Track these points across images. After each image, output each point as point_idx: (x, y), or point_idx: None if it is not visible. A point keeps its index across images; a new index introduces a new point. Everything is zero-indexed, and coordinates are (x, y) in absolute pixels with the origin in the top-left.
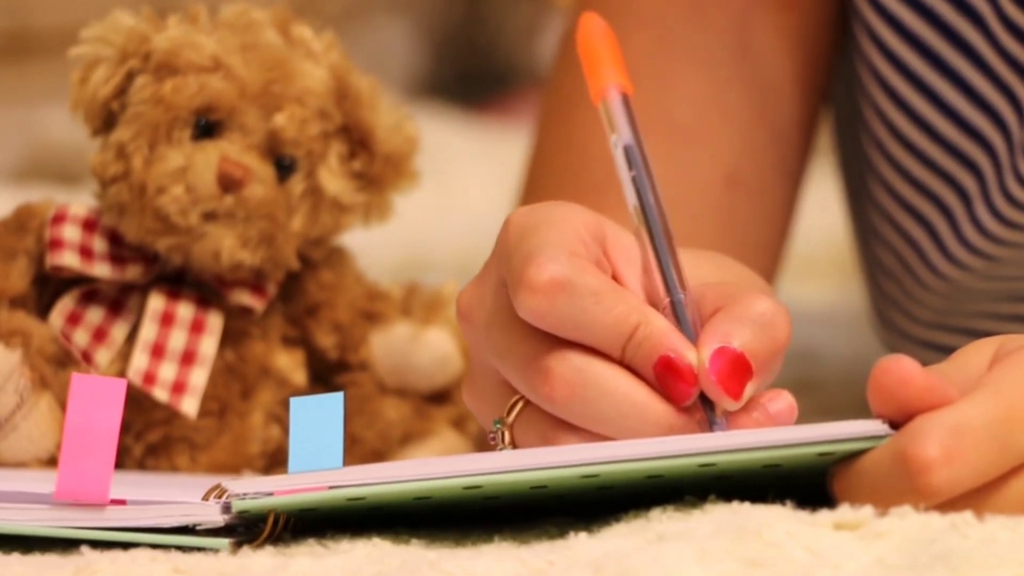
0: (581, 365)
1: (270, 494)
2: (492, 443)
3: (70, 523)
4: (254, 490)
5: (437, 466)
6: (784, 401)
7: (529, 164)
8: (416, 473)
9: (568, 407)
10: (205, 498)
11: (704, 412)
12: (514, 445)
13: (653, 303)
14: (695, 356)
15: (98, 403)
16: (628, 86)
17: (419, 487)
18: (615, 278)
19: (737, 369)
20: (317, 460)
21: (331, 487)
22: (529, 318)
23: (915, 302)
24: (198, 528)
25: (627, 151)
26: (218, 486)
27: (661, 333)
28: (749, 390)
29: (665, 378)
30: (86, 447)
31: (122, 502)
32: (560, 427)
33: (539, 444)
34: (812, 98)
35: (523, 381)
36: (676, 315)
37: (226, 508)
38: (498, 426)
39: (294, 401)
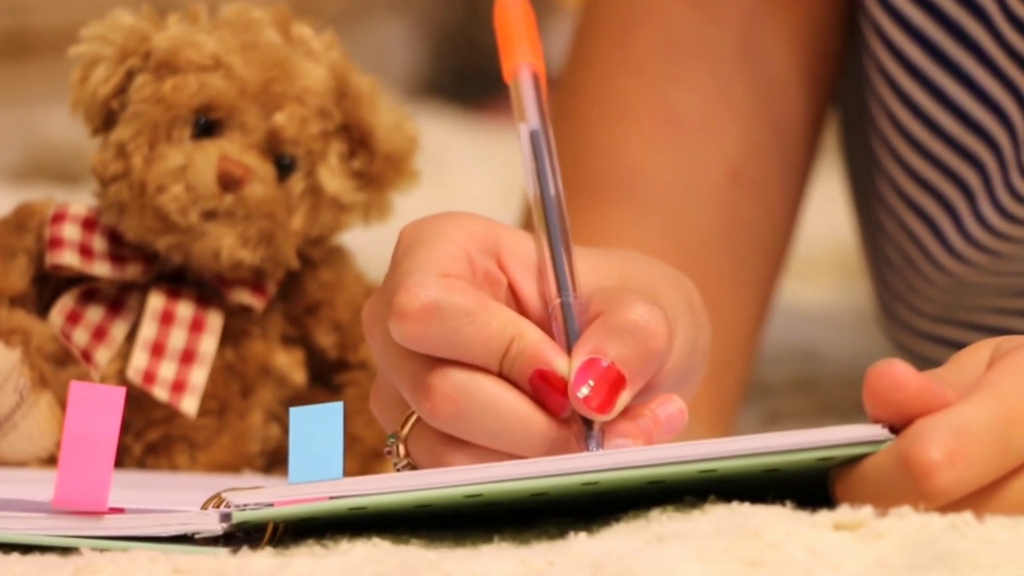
0: (462, 381)
1: (270, 505)
2: (388, 456)
3: (68, 531)
4: (254, 501)
5: (437, 476)
6: (675, 405)
7: None
8: (416, 483)
9: (452, 423)
10: (204, 507)
11: (579, 423)
12: (409, 459)
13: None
14: (567, 367)
15: (97, 411)
16: (541, 67)
17: (420, 496)
18: (511, 287)
19: (606, 381)
20: (317, 470)
21: (331, 497)
22: (404, 344)
23: (920, 296)
24: (196, 536)
25: (532, 137)
26: (217, 495)
27: (535, 346)
28: (623, 400)
29: (540, 391)
30: (85, 455)
31: (120, 510)
32: (448, 442)
33: (429, 459)
34: (818, 95)
35: (410, 398)
36: (565, 318)
37: (224, 517)
38: (392, 440)
39: (294, 411)
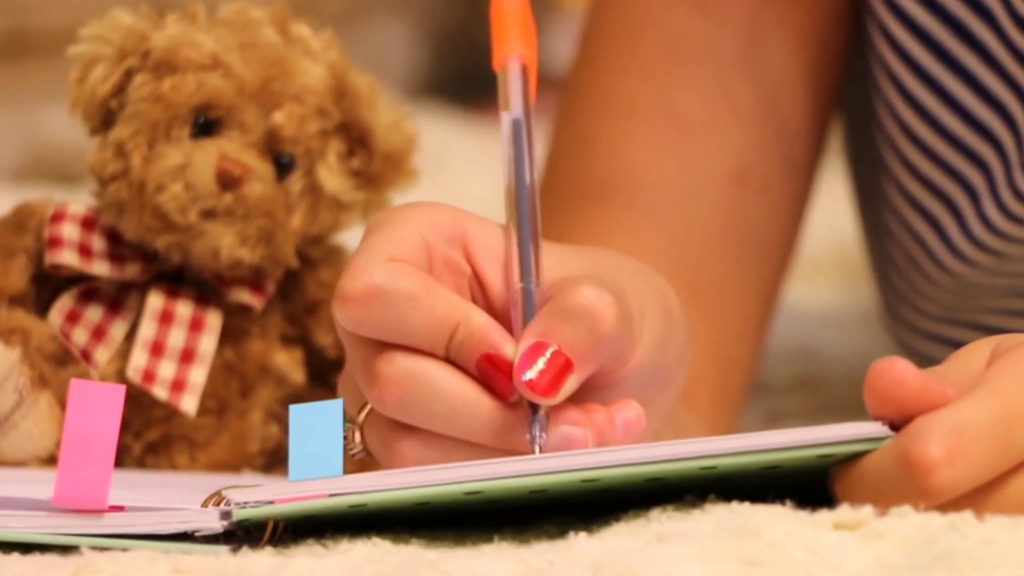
0: (409, 367)
1: (270, 503)
2: (346, 442)
3: (68, 530)
4: (254, 499)
5: (437, 473)
6: (632, 410)
7: (546, 161)
8: (416, 480)
9: (400, 409)
10: (204, 505)
11: (525, 407)
12: (365, 445)
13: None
14: (514, 351)
15: (96, 409)
16: (532, 59)
17: (420, 493)
18: (477, 276)
19: (553, 366)
20: (317, 468)
21: (332, 495)
22: (349, 327)
23: (924, 297)
24: (196, 535)
25: (514, 126)
26: (217, 493)
27: (482, 330)
28: (569, 384)
29: (487, 375)
30: (84, 453)
31: (120, 508)
32: (398, 429)
33: (380, 446)
34: (822, 95)
35: (361, 385)
36: (525, 304)
37: (224, 515)
38: (348, 425)
39: (293, 408)
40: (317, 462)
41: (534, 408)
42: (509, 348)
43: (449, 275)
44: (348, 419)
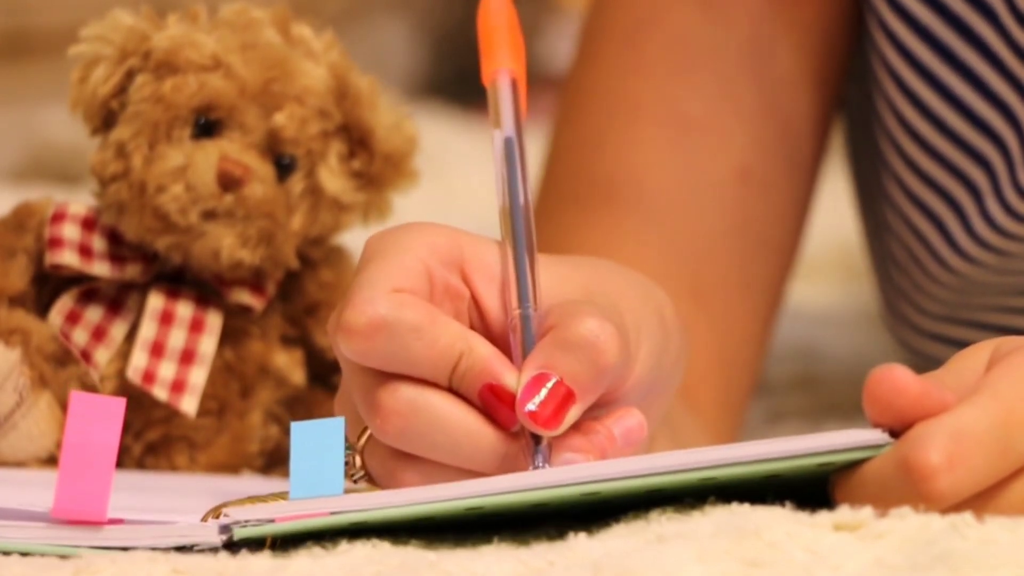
0: (412, 397)
1: (271, 521)
2: (347, 467)
3: (67, 541)
4: (256, 517)
5: (438, 491)
6: (633, 419)
7: (546, 162)
8: (417, 498)
9: (402, 439)
10: (204, 519)
11: (527, 438)
12: (366, 470)
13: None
14: (516, 382)
15: (97, 421)
16: (521, 73)
17: (421, 511)
18: (474, 298)
19: (555, 397)
20: (318, 486)
21: (332, 513)
22: (353, 359)
23: (925, 295)
24: (195, 548)
25: (507, 145)
26: (217, 508)
27: (484, 361)
28: (571, 415)
29: (489, 405)
30: (84, 465)
31: (119, 521)
32: (399, 457)
33: (382, 473)
34: (825, 94)
35: (362, 413)
36: (524, 330)
37: (223, 529)
38: (349, 451)
39: (295, 425)
40: (318, 480)
41: (536, 439)
42: (511, 379)
43: (449, 301)
44: (348, 445)
